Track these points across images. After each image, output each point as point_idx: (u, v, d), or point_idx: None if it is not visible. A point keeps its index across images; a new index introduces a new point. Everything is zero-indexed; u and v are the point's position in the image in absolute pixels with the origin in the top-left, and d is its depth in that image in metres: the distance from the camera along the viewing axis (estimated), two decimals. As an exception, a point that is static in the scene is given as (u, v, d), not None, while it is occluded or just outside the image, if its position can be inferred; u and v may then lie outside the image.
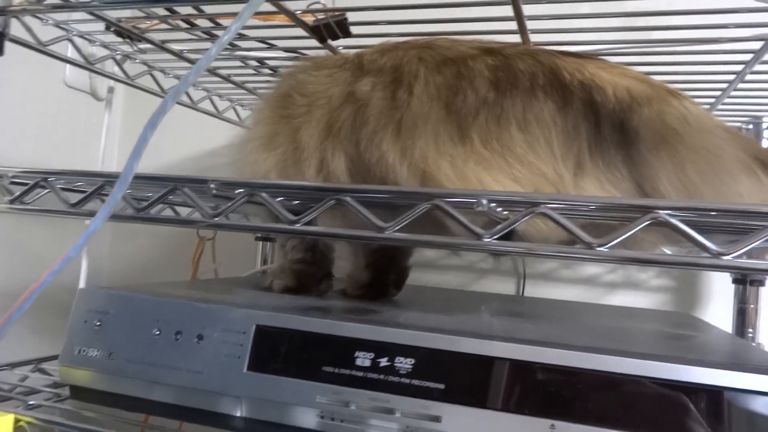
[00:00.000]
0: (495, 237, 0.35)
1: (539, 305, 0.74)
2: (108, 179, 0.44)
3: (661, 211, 0.33)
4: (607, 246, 0.33)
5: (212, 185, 0.41)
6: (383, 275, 0.62)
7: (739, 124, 0.79)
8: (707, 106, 0.70)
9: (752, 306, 0.76)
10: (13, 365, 0.57)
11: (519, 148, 0.42)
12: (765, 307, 0.76)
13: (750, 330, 0.75)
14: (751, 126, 0.78)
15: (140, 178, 0.43)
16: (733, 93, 0.64)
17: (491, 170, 0.42)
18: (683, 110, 0.44)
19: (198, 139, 1.05)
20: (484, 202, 0.36)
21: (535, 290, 0.89)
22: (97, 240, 1.07)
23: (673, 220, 0.32)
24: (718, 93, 0.65)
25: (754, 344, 0.74)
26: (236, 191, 0.43)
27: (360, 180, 0.47)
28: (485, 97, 0.44)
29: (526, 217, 0.35)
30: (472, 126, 0.44)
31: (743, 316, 0.76)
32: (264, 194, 0.40)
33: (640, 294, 0.86)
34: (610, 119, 0.43)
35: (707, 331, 0.60)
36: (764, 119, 0.77)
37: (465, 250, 0.35)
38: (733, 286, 0.77)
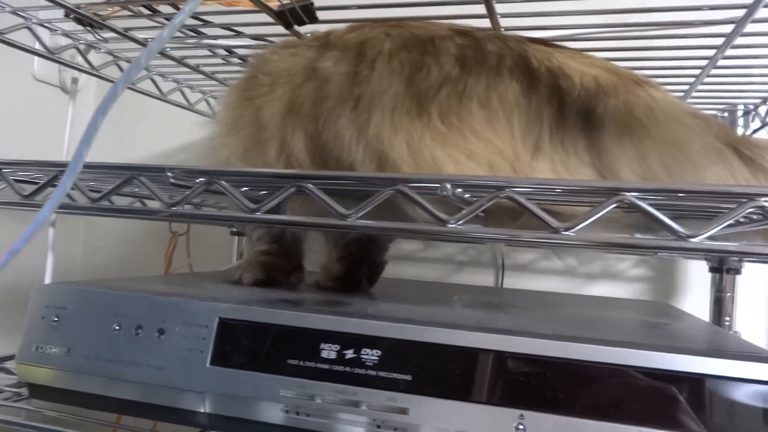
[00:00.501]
0: (460, 222, 0.34)
1: (516, 296, 0.73)
2: (62, 169, 0.42)
3: (627, 194, 0.32)
4: (573, 230, 0.32)
5: (169, 173, 0.39)
6: (356, 268, 0.60)
7: (714, 112, 0.79)
8: (681, 94, 0.69)
9: (729, 294, 0.76)
10: (-26, 365, 0.56)
11: (477, 124, 0.42)
12: (741, 295, 0.76)
13: (727, 318, 0.75)
14: (726, 114, 0.78)
15: (94, 168, 0.41)
16: (707, 79, 0.63)
17: (447, 147, 0.41)
18: (650, 100, 0.43)
19: (173, 134, 1.03)
20: (448, 186, 0.34)
21: (514, 282, 0.89)
22: (68, 237, 1.05)
23: (640, 203, 0.31)
24: (692, 80, 0.64)
25: (731, 332, 0.73)
26: (197, 180, 0.41)
27: (319, 160, 0.46)
28: (449, 73, 0.43)
29: (491, 202, 0.34)
30: (432, 101, 0.43)
31: (720, 305, 0.76)
32: (224, 182, 0.39)
33: (619, 284, 0.86)
34: (575, 106, 0.42)
35: (684, 319, 0.60)
36: (739, 107, 0.77)
37: (429, 237, 0.34)
38: (710, 274, 0.77)
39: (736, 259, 0.76)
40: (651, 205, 0.32)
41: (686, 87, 0.67)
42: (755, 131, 0.76)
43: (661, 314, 0.63)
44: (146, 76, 0.77)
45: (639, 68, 0.62)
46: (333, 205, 0.37)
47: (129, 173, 0.40)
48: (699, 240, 0.31)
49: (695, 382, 0.34)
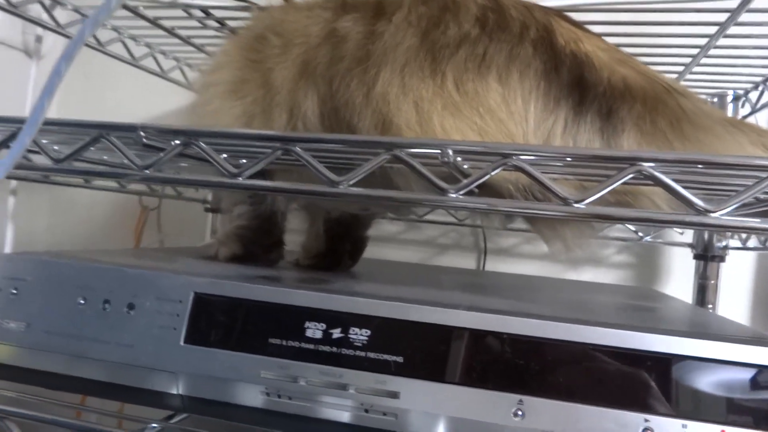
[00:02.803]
0: (462, 192, 0.32)
1: (500, 279, 0.71)
2: (20, 126, 0.38)
3: (645, 164, 0.29)
4: (584, 202, 0.30)
5: (142, 132, 0.36)
6: (338, 244, 0.58)
7: (705, 97, 0.77)
8: (675, 75, 0.67)
9: (713, 282, 0.75)
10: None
11: (493, 100, 0.39)
12: (725, 283, 0.76)
13: (710, 306, 0.75)
14: (716, 99, 0.77)
15: (57, 124, 0.37)
16: (703, 61, 0.62)
17: (458, 118, 0.38)
18: (677, 111, 0.40)
19: (146, 103, 0.98)
20: (450, 153, 0.32)
21: (495, 265, 0.87)
22: (31, 211, 0.99)
23: (658, 174, 0.29)
24: (681, 69, 0.63)
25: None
26: (173, 142, 0.38)
27: (329, 127, 0.43)
28: (468, 32, 0.40)
29: (497, 170, 0.31)
30: (448, 61, 0.39)
31: (704, 292, 0.75)
32: (202, 143, 0.36)
33: (602, 270, 0.85)
34: (597, 102, 0.39)
35: (672, 303, 0.59)
36: (729, 92, 0.76)
37: (429, 206, 0.32)
38: (693, 262, 0.77)
39: (721, 246, 0.75)
40: (669, 177, 0.29)
41: (681, 68, 0.66)
42: (744, 117, 0.75)
43: (651, 299, 0.62)
44: (116, 38, 0.72)
45: (632, 45, 0.60)
46: (323, 170, 0.34)
47: (97, 131, 0.36)
48: (719, 215, 0.29)
49: (689, 364, 0.32)
